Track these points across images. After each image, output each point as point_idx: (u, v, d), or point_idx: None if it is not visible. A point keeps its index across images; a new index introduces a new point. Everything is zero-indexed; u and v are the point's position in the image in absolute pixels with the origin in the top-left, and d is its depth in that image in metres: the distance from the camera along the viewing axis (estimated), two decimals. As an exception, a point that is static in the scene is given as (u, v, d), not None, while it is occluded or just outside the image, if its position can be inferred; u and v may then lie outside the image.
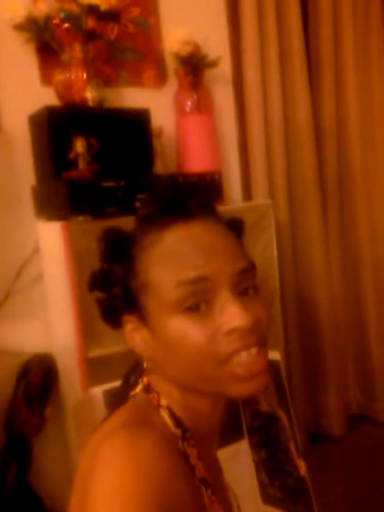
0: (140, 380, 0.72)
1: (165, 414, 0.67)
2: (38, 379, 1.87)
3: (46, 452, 1.92)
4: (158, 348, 0.67)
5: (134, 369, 0.76)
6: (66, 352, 1.84)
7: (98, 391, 1.62)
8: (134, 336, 0.69)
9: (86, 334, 1.70)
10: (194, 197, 0.69)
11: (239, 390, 0.65)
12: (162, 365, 0.68)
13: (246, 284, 0.66)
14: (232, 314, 0.62)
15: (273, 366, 1.86)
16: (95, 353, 1.73)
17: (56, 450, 1.93)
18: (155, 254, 0.66)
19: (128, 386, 0.74)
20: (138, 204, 0.70)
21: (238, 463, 1.83)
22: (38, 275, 1.94)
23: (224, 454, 1.73)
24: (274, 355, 1.85)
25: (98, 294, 0.71)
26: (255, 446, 1.85)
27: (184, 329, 0.63)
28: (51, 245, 1.82)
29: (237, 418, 1.84)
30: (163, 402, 0.68)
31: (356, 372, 2.85)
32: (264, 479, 1.84)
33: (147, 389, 0.70)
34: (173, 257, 0.65)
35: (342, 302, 2.74)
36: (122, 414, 0.67)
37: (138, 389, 0.72)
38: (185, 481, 0.60)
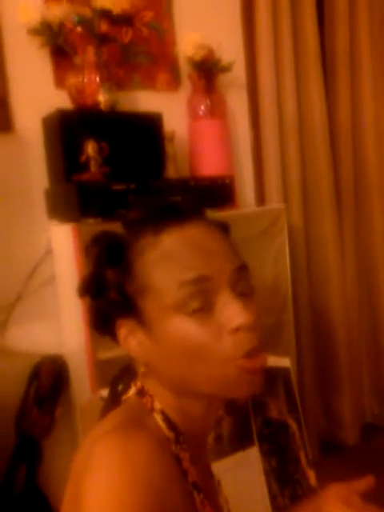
0: (132, 384, 0.72)
1: (158, 418, 0.66)
2: (49, 380, 1.88)
3: (55, 453, 1.92)
4: (157, 351, 0.66)
5: (120, 377, 0.76)
6: (76, 354, 1.84)
7: (107, 393, 1.62)
8: (129, 341, 0.68)
9: (96, 336, 1.70)
10: (185, 201, 0.71)
11: (239, 390, 0.65)
12: (161, 368, 0.67)
13: (243, 285, 0.66)
14: (234, 312, 0.63)
15: (283, 373, 1.83)
16: (105, 355, 1.74)
17: (66, 452, 1.93)
18: (153, 256, 0.65)
19: (116, 393, 0.74)
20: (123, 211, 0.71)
21: (247, 470, 1.81)
22: (50, 277, 1.95)
23: (233, 461, 1.73)
24: (284, 362, 1.83)
25: (88, 299, 0.70)
26: (265, 454, 1.82)
27: (188, 330, 0.63)
28: (63, 247, 1.83)
29: (247, 425, 1.82)
30: (157, 405, 0.67)
31: (371, 380, 2.81)
32: (274, 488, 1.82)
33: (141, 392, 0.70)
34: (172, 259, 0.64)
35: (357, 309, 2.70)
36: (115, 417, 0.67)
37: (131, 393, 0.71)
38: (177, 483, 0.60)
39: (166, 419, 0.66)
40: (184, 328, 0.63)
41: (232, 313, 0.63)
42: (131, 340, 0.68)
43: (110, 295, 0.68)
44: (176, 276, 0.63)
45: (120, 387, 0.76)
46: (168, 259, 0.65)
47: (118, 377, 0.77)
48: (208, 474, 0.77)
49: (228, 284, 0.64)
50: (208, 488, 0.70)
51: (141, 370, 0.72)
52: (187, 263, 0.64)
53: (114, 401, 0.74)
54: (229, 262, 0.66)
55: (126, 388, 0.73)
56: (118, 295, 0.67)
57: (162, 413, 0.67)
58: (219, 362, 0.63)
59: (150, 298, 0.65)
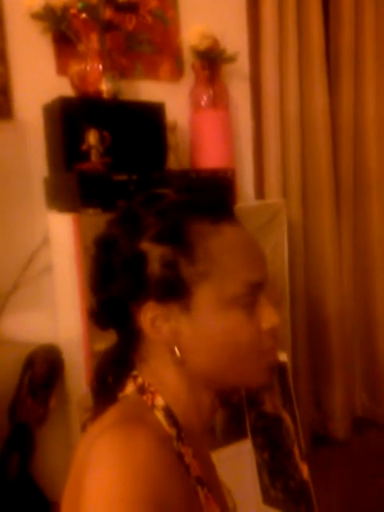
0: (129, 381, 0.71)
1: (160, 415, 0.66)
2: (43, 370, 1.87)
3: (48, 443, 1.93)
4: (195, 338, 0.66)
5: (108, 369, 0.75)
6: (72, 344, 1.84)
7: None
8: (158, 325, 0.66)
9: (93, 326, 1.69)
10: (224, 199, 0.73)
11: (258, 382, 0.71)
12: (192, 356, 0.67)
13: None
14: (272, 314, 0.68)
15: (280, 367, 1.84)
16: (101, 346, 1.73)
17: (59, 442, 1.93)
18: (217, 245, 0.66)
19: (106, 386, 0.73)
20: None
21: (239, 462, 1.82)
22: (47, 266, 1.94)
23: (226, 453, 1.74)
24: (282, 357, 1.84)
25: (127, 276, 0.66)
26: (259, 447, 1.83)
27: (239, 323, 0.66)
28: (61, 236, 1.81)
29: (240, 418, 1.83)
30: (159, 401, 0.67)
31: (363, 375, 2.83)
32: (266, 480, 1.83)
33: (141, 389, 0.69)
34: (239, 253, 0.67)
35: (352, 304, 2.72)
36: (114, 413, 0.67)
37: (129, 390, 0.70)
38: (179, 479, 0.60)
39: (169, 416, 0.66)
40: (236, 320, 0.66)
41: (270, 314, 0.68)
42: (161, 324, 0.66)
43: (163, 273, 0.65)
44: (243, 272, 0.66)
45: (109, 379, 0.74)
46: (235, 252, 0.66)
47: (104, 372, 0.75)
48: (210, 466, 0.77)
49: (264, 288, 0.69)
50: (211, 480, 0.70)
51: (140, 363, 0.71)
52: (253, 263, 0.68)
53: (106, 396, 0.72)
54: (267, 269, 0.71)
55: (119, 382, 0.72)
56: (174, 275, 0.65)
57: (164, 409, 0.66)
58: (257, 355, 0.68)
59: (207, 285, 0.65)
